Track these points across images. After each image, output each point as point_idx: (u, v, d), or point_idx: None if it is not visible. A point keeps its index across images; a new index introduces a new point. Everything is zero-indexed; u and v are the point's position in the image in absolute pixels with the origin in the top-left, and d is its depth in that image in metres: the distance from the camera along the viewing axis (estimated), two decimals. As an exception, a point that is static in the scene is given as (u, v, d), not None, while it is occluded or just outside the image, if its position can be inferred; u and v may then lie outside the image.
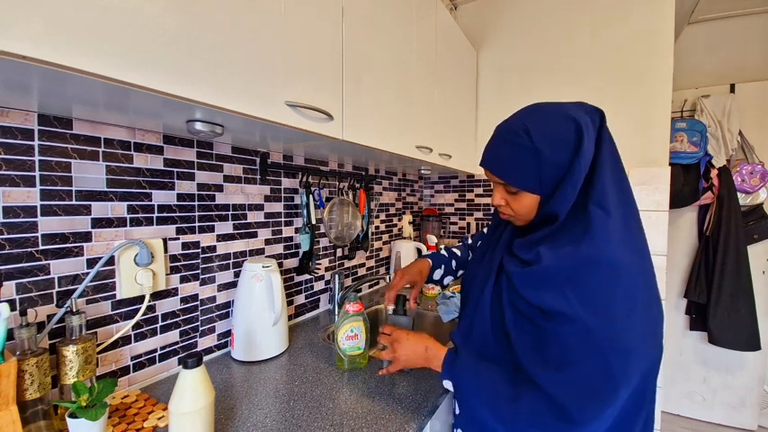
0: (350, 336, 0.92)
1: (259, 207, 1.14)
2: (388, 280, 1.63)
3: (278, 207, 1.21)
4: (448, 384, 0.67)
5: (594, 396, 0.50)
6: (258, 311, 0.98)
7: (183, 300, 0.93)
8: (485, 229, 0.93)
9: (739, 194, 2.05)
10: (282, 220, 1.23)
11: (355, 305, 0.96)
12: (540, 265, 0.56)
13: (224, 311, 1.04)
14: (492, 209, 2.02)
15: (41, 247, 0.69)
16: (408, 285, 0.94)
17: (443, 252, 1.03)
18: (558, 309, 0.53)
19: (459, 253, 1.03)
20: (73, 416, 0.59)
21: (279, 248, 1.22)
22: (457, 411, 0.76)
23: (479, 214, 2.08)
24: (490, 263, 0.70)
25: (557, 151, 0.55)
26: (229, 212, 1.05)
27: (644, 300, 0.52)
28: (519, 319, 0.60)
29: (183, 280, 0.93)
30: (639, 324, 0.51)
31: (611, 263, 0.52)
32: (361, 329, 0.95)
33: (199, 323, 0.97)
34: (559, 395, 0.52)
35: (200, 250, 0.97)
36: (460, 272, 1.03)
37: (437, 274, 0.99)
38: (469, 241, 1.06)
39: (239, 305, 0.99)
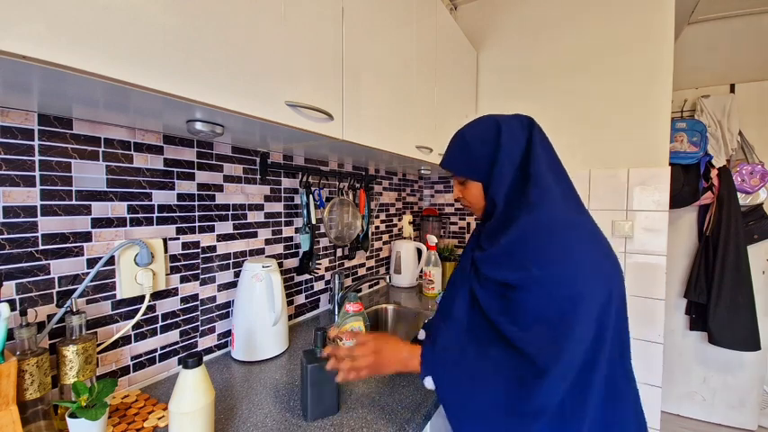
0: (351, 335, 0.92)
1: (259, 207, 1.14)
2: (388, 280, 1.63)
3: (278, 207, 1.21)
4: (429, 383, 0.67)
5: (555, 341, 0.57)
6: (258, 311, 0.98)
7: (184, 300, 0.93)
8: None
9: (739, 194, 2.05)
10: (282, 220, 1.23)
11: (355, 305, 0.96)
12: (497, 246, 0.67)
13: (224, 311, 1.04)
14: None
15: (41, 247, 0.69)
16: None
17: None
18: (516, 278, 0.62)
19: None
20: (73, 416, 0.59)
21: (279, 248, 1.22)
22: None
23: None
24: (466, 260, 0.79)
25: (482, 145, 0.71)
26: (229, 212, 1.05)
27: (583, 246, 0.61)
28: (490, 298, 0.68)
29: (184, 280, 0.93)
30: (584, 268, 0.59)
31: (548, 221, 0.62)
32: (362, 329, 0.95)
33: (199, 323, 0.97)
34: (529, 350, 0.59)
35: (200, 250, 0.97)
36: None
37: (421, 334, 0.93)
38: None
39: (239, 305, 0.99)
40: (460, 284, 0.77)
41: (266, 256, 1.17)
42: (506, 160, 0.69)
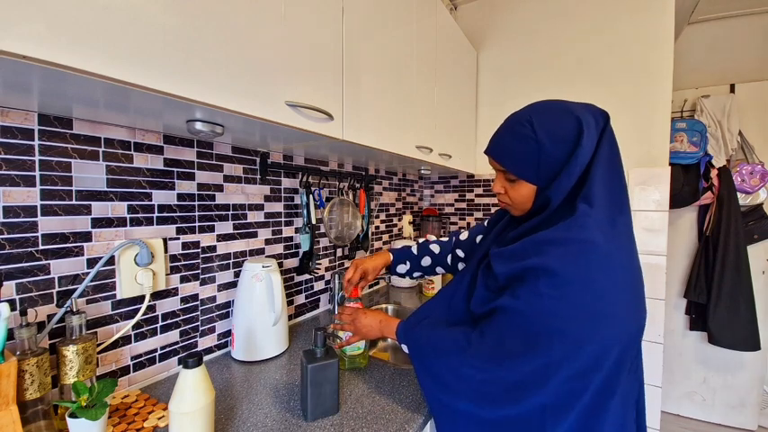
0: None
1: (259, 207, 1.14)
2: (388, 280, 1.63)
3: (278, 207, 1.21)
4: (404, 347, 0.74)
5: (530, 347, 0.54)
6: (258, 311, 0.98)
7: (184, 300, 0.93)
8: (485, 222, 0.92)
9: (739, 194, 2.05)
10: (282, 220, 1.23)
11: (354, 305, 0.96)
12: (516, 245, 0.60)
13: (224, 311, 1.04)
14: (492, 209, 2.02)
15: (41, 247, 0.69)
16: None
17: (414, 250, 1.04)
18: (511, 273, 0.58)
19: (436, 251, 1.02)
20: (73, 416, 0.59)
21: (279, 248, 1.22)
22: None
23: (479, 214, 2.08)
24: (480, 252, 0.76)
25: (556, 144, 0.57)
26: (229, 212, 1.05)
27: (611, 281, 0.53)
28: (486, 297, 0.64)
29: (184, 280, 0.93)
30: (593, 309, 0.52)
31: (580, 240, 0.53)
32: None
33: (199, 323, 0.97)
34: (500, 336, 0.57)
35: (200, 250, 0.97)
36: (438, 268, 1.03)
37: (401, 269, 1.03)
38: (463, 236, 1.00)
39: (239, 305, 0.99)
40: (467, 271, 0.75)
41: (266, 256, 1.17)
42: (579, 167, 0.57)
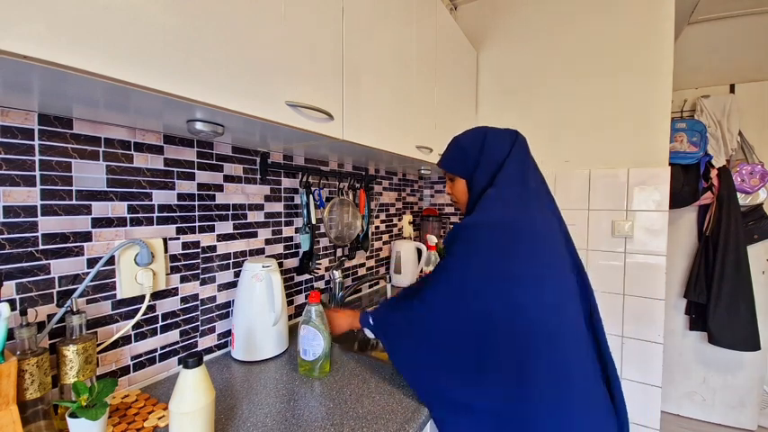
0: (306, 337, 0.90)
1: (259, 207, 1.14)
2: (388, 280, 1.63)
3: (278, 207, 1.21)
4: (368, 332, 0.93)
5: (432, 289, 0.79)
6: (258, 311, 0.98)
7: (184, 299, 0.93)
8: None
9: (739, 194, 2.05)
10: (282, 220, 1.23)
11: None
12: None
13: (224, 311, 1.04)
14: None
15: (42, 247, 0.69)
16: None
17: None
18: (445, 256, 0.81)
19: None
20: (73, 415, 0.59)
21: (279, 248, 1.22)
22: None
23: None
24: None
25: (470, 148, 0.86)
26: (229, 212, 1.05)
27: (489, 249, 0.74)
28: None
29: (184, 280, 0.93)
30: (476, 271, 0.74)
31: (477, 220, 0.78)
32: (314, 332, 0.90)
33: (199, 323, 0.97)
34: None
35: (200, 250, 0.97)
36: None
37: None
38: None
39: (239, 305, 0.99)
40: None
41: (266, 256, 1.17)
42: (487, 163, 0.83)
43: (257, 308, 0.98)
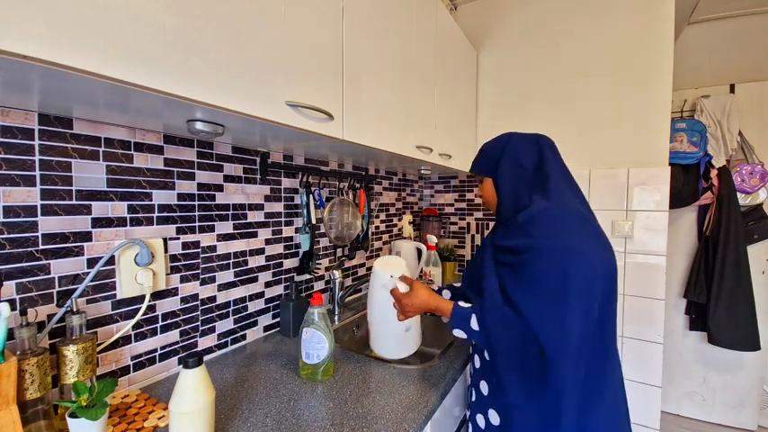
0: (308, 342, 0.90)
1: (259, 207, 1.14)
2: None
3: (278, 207, 1.21)
4: (458, 332, 0.81)
5: (552, 297, 0.70)
6: (390, 316, 0.96)
7: (184, 299, 0.93)
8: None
9: (739, 194, 2.05)
10: (282, 219, 1.23)
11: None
12: (513, 222, 0.81)
13: (224, 311, 1.04)
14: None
15: (42, 247, 0.69)
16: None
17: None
18: (524, 243, 0.76)
19: (447, 297, 1.07)
20: (73, 415, 0.59)
21: (279, 248, 1.22)
22: (477, 365, 0.88)
23: (479, 214, 2.08)
24: (483, 250, 0.90)
25: (492, 150, 0.91)
26: (229, 212, 1.05)
27: (579, 229, 0.75)
28: (501, 268, 0.81)
29: (184, 280, 0.93)
30: (576, 242, 0.72)
31: (555, 207, 0.77)
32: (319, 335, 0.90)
33: (199, 323, 0.97)
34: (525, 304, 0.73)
35: (200, 250, 0.97)
36: None
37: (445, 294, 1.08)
38: (458, 284, 1.11)
39: (373, 306, 1.04)
40: (485, 264, 0.86)
41: (266, 256, 1.17)
42: (510, 160, 0.86)
43: (389, 313, 0.96)
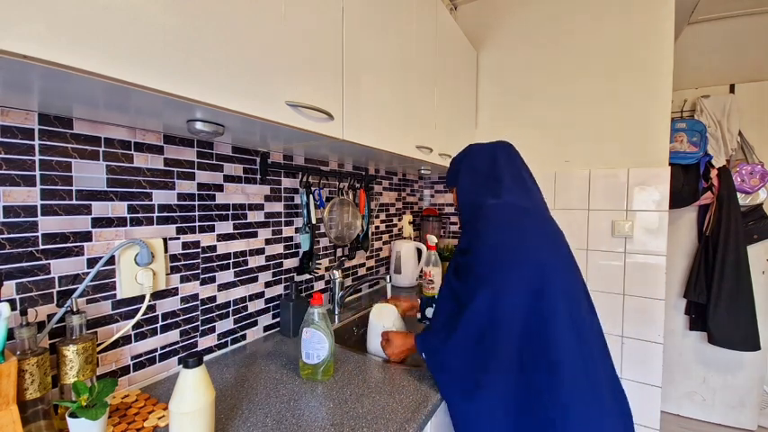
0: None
1: (259, 207, 1.14)
2: (388, 279, 1.63)
3: (278, 207, 1.21)
4: (422, 355, 0.90)
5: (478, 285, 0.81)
6: None
7: (184, 299, 0.93)
8: None
9: (739, 195, 2.05)
10: (282, 219, 1.23)
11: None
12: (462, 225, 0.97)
13: (224, 311, 1.04)
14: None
15: (42, 247, 0.69)
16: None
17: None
18: (466, 243, 0.90)
19: None
20: (73, 415, 0.59)
21: (279, 248, 1.22)
22: None
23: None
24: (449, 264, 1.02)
25: (455, 162, 1.04)
26: (229, 212, 1.05)
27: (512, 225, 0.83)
28: (452, 268, 0.95)
29: (184, 280, 0.93)
30: (494, 244, 0.82)
31: (491, 209, 0.87)
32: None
33: (199, 323, 0.97)
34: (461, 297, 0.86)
35: (200, 250, 0.97)
36: None
37: (429, 312, 1.16)
38: None
39: None
40: (445, 278, 0.99)
41: (266, 256, 1.17)
42: (467, 168, 0.98)
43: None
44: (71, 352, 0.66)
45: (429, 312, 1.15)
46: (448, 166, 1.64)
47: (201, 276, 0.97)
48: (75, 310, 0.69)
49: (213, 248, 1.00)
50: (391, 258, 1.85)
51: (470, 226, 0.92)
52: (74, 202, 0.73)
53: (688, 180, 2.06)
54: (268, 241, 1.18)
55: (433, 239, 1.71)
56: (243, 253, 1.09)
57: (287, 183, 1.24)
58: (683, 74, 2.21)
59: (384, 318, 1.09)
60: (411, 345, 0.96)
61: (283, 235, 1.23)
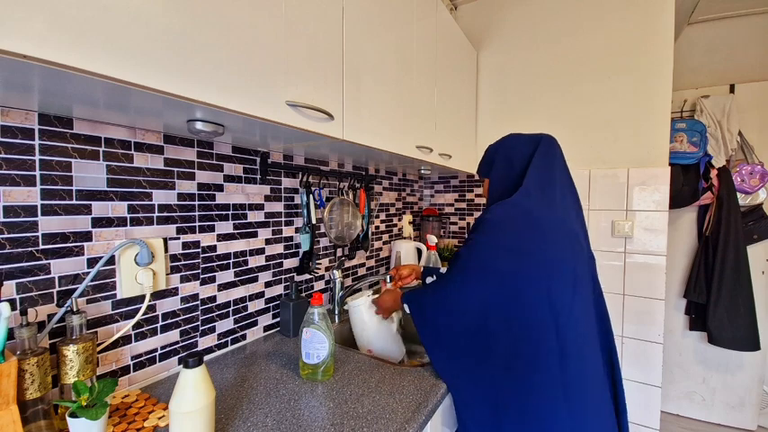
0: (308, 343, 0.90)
1: (259, 207, 1.14)
2: (388, 280, 1.63)
3: (278, 207, 1.21)
4: (406, 307, 0.97)
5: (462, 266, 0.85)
6: None
7: (184, 299, 0.93)
8: None
9: (739, 195, 2.05)
10: (283, 219, 1.23)
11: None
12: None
13: (224, 311, 1.04)
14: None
15: (42, 247, 0.69)
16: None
17: (441, 270, 1.21)
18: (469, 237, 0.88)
19: None
20: (73, 415, 0.59)
21: (279, 248, 1.22)
22: None
23: (479, 214, 2.08)
24: None
25: (489, 151, 1.01)
26: (230, 212, 1.05)
27: (515, 231, 0.82)
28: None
29: (184, 279, 0.93)
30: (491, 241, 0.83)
31: (507, 208, 0.84)
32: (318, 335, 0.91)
33: (199, 323, 0.97)
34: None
35: (200, 250, 0.97)
36: None
37: (428, 280, 1.17)
38: None
39: None
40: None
41: (266, 256, 1.17)
42: (501, 160, 0.94)
43: (380, 330, 1.15)
44: (71, 352, 0.65)
45: (429, 281, 1.18)
46: (448, 166, 1.67)
47: (201, 276, 0.97)
48: (75, 309, 0.69)
49: (213, 248, 1.00)
50: (391, 258, 1.84)
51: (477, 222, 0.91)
52: (74, 201, 0.73)
53: (688, 180, 2.07)
54: (268, 241, 1.18)
55: (432, 239, 1.71)
56: (243, 253, 1.09)
57: (287, 183, 1.24)
58: (682, 74, 2.21)
59: (359, 302, 1.15)
60: (398, 297, 1.03)
61: (283, 235, 1.23)
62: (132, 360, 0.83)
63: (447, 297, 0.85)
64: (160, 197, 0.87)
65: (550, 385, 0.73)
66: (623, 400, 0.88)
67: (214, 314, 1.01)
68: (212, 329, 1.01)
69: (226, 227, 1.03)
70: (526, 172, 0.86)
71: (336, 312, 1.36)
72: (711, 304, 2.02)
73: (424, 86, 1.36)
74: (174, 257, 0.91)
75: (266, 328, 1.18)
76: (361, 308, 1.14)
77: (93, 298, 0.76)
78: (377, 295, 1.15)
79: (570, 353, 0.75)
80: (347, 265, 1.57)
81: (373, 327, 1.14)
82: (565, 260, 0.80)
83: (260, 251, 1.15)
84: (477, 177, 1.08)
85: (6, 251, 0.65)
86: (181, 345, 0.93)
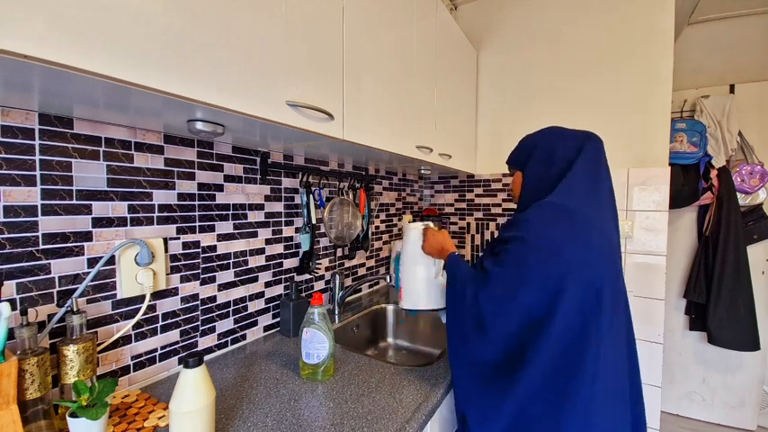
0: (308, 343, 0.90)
1: (259, 207, 1.14)
2: (388, 280, 1.64)
3: (278, 207, 1.21)
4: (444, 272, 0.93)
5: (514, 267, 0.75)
6: (423, 265, 0.99)
7: (184, 299, 0.93)
8: None
9: (739, 195, 2.05)
10: (283, 219, 1.23)
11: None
12: (516, 216, 0.83)
13: (224, 311, 1.04)
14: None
15: (42, 247, 0.69)
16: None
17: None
18: (511, 235, 0.78)
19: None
20: (73, 415, 0.59)
21: (279, 248, 1.22)
22: None
23: (479, 214, 2.08)
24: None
25: (526, 143, 0.94)
26: (230, 212, 1.05)
27: (562, 230, 0.74)
28: (489, 253, 0.85)
29: (184, 279, 0.93)
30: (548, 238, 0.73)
31: (551, 206, 0.77)
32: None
33: (199, 323, 0.97)
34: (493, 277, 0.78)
35: (200, 250, 0.97)
36: None
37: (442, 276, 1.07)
38: None
39: (405, 261, 1.01)
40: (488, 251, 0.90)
41: (266, 256, 1.17)
42: (540, 154, 0.87)
43: (418, 264, 0.99)
44: (71, 352, 0.66)
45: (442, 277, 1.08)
46: (448, 166, 1.67)
47: (202, 276, 0.97)
48: (75, 309, 0.69)
49: (213, 248, 1.00)
50: (391, 258, 1.84)
51: (518, 220, 0.80)
52: (74, 201, 0.73)
53: (688, 180, 2.06)
54: (268, 241, 1.18)
55: (433, 239, 1.70)
56: (243, 253, 1.09)
57: (287, 183, 1.24)
58: (683, 74, 2.21)
59: (415, 225, 1.05)
60: (446, 249, 0.94)
61: (283, 235, 1.23)
62: (132, 360, 0.83)
63: (495, 288, 0.76)
64: (160, 197, 0.87)
65: (587, 395, 0.68)
66: (642, 406, 0.83)
67: (214, 314, 1.01)
68: (212, 329, 1.01)
69: (226, 227, 1.03)
70: (567, 173, 0.80)
71: (336, 312, 1.36)
72: (711, 304, 2.02)
73: (424, 86, 1.36)
74: (174, 257, 0.91)
75: (266, 328, 1.18)
76: (413, 232, 1.03)
77: (93, 298, 0.76)
78: (434, 227, 1.03)
79: (598, 374, 0.69)
80: (347, 265, 1.57)
81: (418, 255, 1.01)
82: (605, 281, 0.72)
83: (260, 251, 1.15)
84: (506, 170, 1.04)
85: (6, 251, 0.65)
86: (181, 345, 0.93)
